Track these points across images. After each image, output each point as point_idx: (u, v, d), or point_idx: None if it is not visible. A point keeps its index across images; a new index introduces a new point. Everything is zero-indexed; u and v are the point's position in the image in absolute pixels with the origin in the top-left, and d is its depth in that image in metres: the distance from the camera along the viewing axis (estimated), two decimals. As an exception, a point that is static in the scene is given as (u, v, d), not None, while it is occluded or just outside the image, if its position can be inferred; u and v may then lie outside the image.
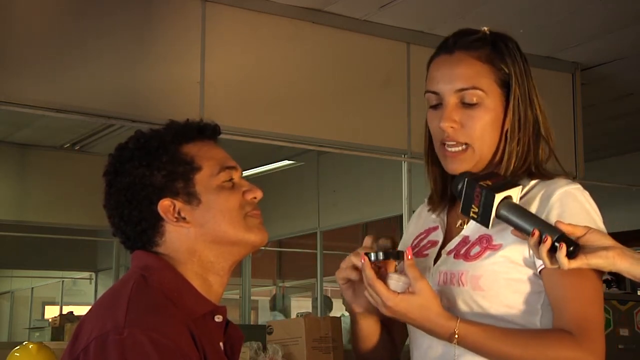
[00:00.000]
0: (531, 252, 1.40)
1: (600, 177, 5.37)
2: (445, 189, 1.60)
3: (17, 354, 2.21)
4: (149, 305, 1.28)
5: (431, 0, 3.81)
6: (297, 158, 6.50)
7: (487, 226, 1.36)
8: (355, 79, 4.06)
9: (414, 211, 1.76)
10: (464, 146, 1.48)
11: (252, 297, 8.24)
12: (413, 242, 1.63)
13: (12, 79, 3.23)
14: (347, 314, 7.49)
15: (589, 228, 1.32)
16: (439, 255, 1.52)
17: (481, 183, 1.35)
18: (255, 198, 1.43)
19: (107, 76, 3.42)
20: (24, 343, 2.27)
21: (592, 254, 1.28)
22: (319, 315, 6.99)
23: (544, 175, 1.49)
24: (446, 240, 1.54)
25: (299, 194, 6.98)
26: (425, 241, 1.59)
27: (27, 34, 3.30)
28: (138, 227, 1.37)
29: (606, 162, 6.55)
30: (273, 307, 8.86)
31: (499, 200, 1.34)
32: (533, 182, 1.48)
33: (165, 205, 1.36)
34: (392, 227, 6.82)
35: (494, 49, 1.50)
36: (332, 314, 7.29)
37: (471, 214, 1.37)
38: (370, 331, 1.56)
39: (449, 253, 1.50)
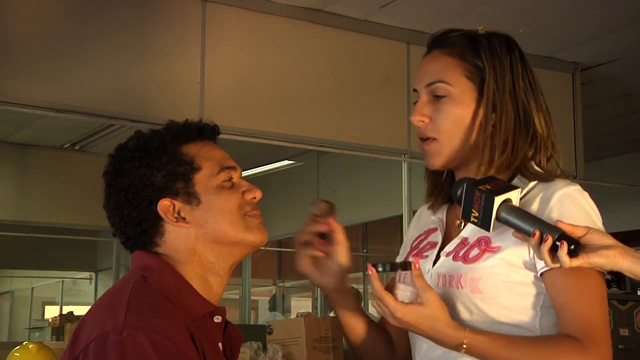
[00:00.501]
0: (531, 254, 1.40)
1: (600, 177, 5.37)
2: (440, 186, 1.61)
3: (17, 354, 2.21)
4: (148, 306, 1.28)
5: (431, 0, 3.81)
6: (297, 158, 6.50)
7: (488, 230, 1.36)
8: (355, 79, 4.05)
9: (414, 212, 1.77)
10: (432, 139, 1.51)
11: (252, 297, 8.23)
12: (413, 244, 1.63)
13: (12, 79, 3.23)
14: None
15: (590, 228, 1.31)
16: (437, 257, 1.52)
17: (480, 187, 1.36)
18: (254, 198, 1.43)
19: (107, 76, 3.42)
20: (24, 343, 2.27)
21: (594, 253, 1.28)
22: (319, 315, 6.99)
23: (542, 176, 1.49)
24: (445, 241, 1.54)
25: (299, 194, 6.97)
26: (424, 242, 1.59)
27: (27, 34, 3.30)
28: (138, 228, 1.37)
29: (606, 162, 6.55)
30: (273, 307, 8.86)
31: (498, 203, 1.35)
32: (532, 184, 1.47)
33: (165, 205, 1.36)
34: (392, 227, 6.83)
35: (471, 44, 1.51)
36: (332, 314, 7.29)
37: (472, 219, 1.37)
38: (353, 318, 1.54)
39: (447, 255, 1.50)
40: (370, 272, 1.35)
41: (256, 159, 6.20)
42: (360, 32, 4.02)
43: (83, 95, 3.35)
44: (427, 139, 1.52)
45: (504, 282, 1.41)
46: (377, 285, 1.34)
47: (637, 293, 6.15)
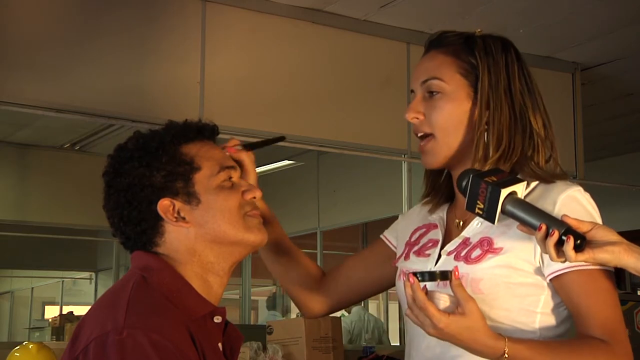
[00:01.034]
0: (538, 257, 1.40)
1: (600, 177, 5.37)
2: (438, 187, 1.61)
3: (17, 354, 2.21)
4: (148, 306, 1.28)
5: (431, 0, 3.81)
6: (297, 158, 6.50)
7: (492, 222, 1.35)
8: (355, 79, 4.05)
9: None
10: (429, 137, 1.52)
11: (252, 297, 8.23)
12: (412, 236, 1.63)
13: (12, 79, 3.23)
14: (347, 313, 7.50)
15: (595, 223, 1.32)
16: (438, 256, 1.52)
17: (486, 179, 1.35)
18: (254, 198, 1.44)
19: (107, 76, 3.42)
20: (24, 343, 2.27)
21: (599, 249, 1.28)
22: (319, 315, 6.97)
23: (543, 176, 1.49)
24: (445, 239, 1.54)
25: (299, 194, 6.97)
26: (425, 239, 1.59)
27: (27, 34, 3.30)
28: (138, 228, 1.37)
29: (606, 162, 6.55)
30: (272, 307, 8.85)
31: (504, 196, 1.34)
32: (533, 184, 1.48)
33: (164, 205, 1.36)
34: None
35: (466, 43, 1.53)
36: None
37: (476, 210, 1.36)
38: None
39: (448, 254, 1.50)
40: (412, 281, 1.32)
41: (256, 159, 6.19)
42: (360, 32, 4.02)
43: (83, 95, 3.35)
44: (424, 136, 1.53)
45: (505, 283, 1.42)
46: (421, 295, 1.31)
47: (637, 293, 6.15)
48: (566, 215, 1.31)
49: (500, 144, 1.49)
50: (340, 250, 7.84)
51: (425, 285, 1.34)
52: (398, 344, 4.95)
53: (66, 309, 9.63)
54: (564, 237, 1.28)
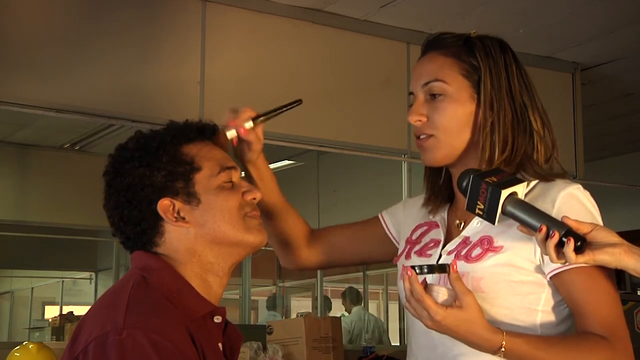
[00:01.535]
0: (538, 255, 1.40)
1: (600, 177, 5.37)
2: (438, 189, 1.61)
3: (17, 354, 2.21)
4: (148, 306, 1.28)
5: (431, 0, 3.81)
6: (297, 158, 6.50)
7: (493, 222, 1.36)
8: (355, 79, 4.05)
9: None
10: (430, 136, 1.52)
11: (252, 297, 8.22)
12: (413, 233, 1.63)
13: (12, 79, 3.23)
14: (347, 313, 7.50)
15: (595, 225, 1.32)
16: (440, 256, 1.52)
17: (487, 179, 1.35)
18: (254, 199, 1.44)
19: (107, 76, 3.41)
20: (24, 343, 2.27)
21: (599, 250, 1.28)
22: (319, 315, 6.99)
23: (542, 175, 1.49)
24: (447, 240, 1.55)
25: (299, 194, 6.97)
26: (427, 238, 1.59)
27: (27, 34, 3.30)
28: (138, 227, 1.37)
29: (606, 162, 6.55)
30: (272, 307, 8.85)
31: (505, 197, 1.34)
32: (533, 183, 1.48)
33: (164, 204, 1.36)
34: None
35: (465, 45, 1.53)
36: (332, 314, 7.29)
37: (477, 211, 1.37)
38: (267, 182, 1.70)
39: (449, 253, 1.50)
40: (409, 274, 1.33)
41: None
42: (360, 32, 4.02)
43: (83, 95, 3.35)
44: (423, 137, 1.53)
45: (505, 281, 1.42)
46: (419, 288, 1.32)
47: (637, 293, 6.15)
48: (566, 217, 1.31)
49: (506, 145, 1.49)
50: (340, 250, 7.81)
51: (424, 278, 1.34)
52: (398, 344, 4.95)
53: (66, 309, 9.63)
54: (564, 239, 1.28)
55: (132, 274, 1.36)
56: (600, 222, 1.43)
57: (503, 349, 1.33)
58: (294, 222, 1.75)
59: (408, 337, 1.60)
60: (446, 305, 1.32)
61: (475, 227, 1.49)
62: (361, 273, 8.70)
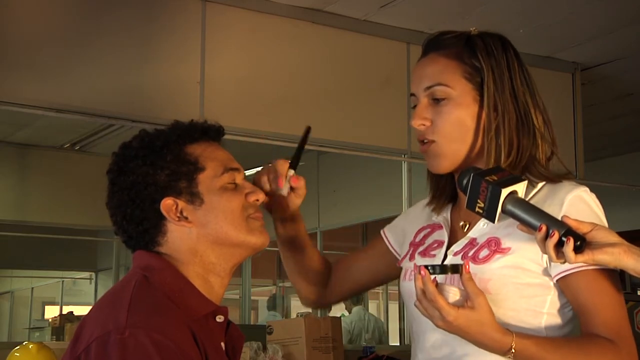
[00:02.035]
0: (545, 257, 1.40)
1: (600, 177, 5.37)
2: (442, 188, 1.61)
3: (17, 354, 2.21)
4: (150, 306, 1.28)
5: (431, 0, 3.81)
6: (297, 158, 6.49)
7: (493, 221, 1.36)
8: (355, 79, 4.05)
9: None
10: (432, 142, 1.51)
11: (252, 297, 8.23)
12: (416, 236, 1.63)
13: (12, 79, 3.23)
14: (347, 313, 7.50)
15: (595, 224, 1.32)
16: (445, 257, 1.52)
17: (487, 178, 1.35)
18: (257, 200, 1.44)
19: (108, 76, 3.42)
20: (24, 343, 2.27)
21: (599, 250, 1.28)
22: (319, 315, 6.99)
23: (549, 177, 1.49)
24: (451, 240, 1.54)
25: (298, 194, 6.95)
26: (430, 239, 1.59)
27: (27, 34, 3.30)
28: (140, 226, 1.38)
29: (606, 162, 6.55)
30: (272, 307, 8.85)
31: (505, 195, 1.34)
32: (540, 185, 1.48)
33: (167, 204, 1.36)
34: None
35: (467, 45, 1.51)
36: (332, 314, 7.28)
37: (477, 209, 1.36)
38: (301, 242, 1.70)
39: (455, 254, 1.50)
40: (423, 274, 1.32)
41: (256, 159, 6.19)
42: (360, 32, 4.02)
43: (83, 95, 3.35)
44: (426, 142, 1.52)
45: (513, 283, 1.42)
46: (432, 287, 1.31)
47: (637, 293, 6.16)
48: (566, 216, 1.31)
49: (512, 149, 1.48)
50: (340, 250, 7.83)
51: (435, 278, 1.34)
52: (398, 344, 4.94)
53: (66, 309, 9.63)
54: (564, 238, 1.28)
55: (134, 274, 1.36)
56: (606, 225, 1.42)
57: (513, 351, 1.32)
58: (319, 258, 1.77)
59: (411, 337, 1.59)
60: (458, 305, 1.32)
61: (482, 228, 1.48)
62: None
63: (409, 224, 1.69)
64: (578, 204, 1.42)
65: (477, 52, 1.50)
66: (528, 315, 1.42)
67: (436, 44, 1.54)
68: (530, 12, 3.93)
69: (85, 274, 10.46)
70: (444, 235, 1.56)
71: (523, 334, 1.36)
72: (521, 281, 1.42)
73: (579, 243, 1.28)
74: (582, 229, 1.30)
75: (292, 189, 1.62)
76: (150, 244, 1.38)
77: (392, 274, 1.72)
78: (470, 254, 1.46)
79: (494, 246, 1.44)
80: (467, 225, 1.53)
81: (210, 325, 1.36)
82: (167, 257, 1.38)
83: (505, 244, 1.43)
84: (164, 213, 1.36)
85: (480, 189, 1.35)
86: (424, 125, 1.51)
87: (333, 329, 3.24)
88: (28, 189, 6.57)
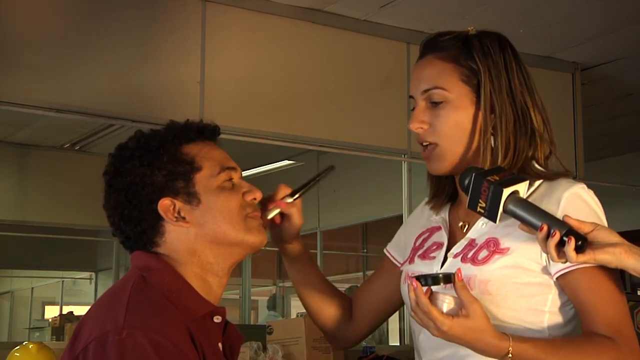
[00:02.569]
0: (544, 256, 1.40)
1: (600, 177, 5.37)
2: (442, 187, 1.61)
3: (17, 354, 2.21)
4: (148, 306, 1.28)
5: (431, 0, 3.81)
6: (297, 158, 6.49)
7: (494, 221, 1.36)
8: (355, 79, 4.05)
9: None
10: (432, 145, 1.51)
11: (252, 297, 8.23)
12: (416, 241, 1.63)
13: (12, 79, 3.23)
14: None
15: (597, 224, 1.32)
16: (445, 258, 1.52)
17: (489, 178, 1.35)
18: (255, 199, 1.44)
19: (107, 76, 3.41)
20: (24, 343, 2.27)
21: (600, 250, 1.29)
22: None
23: (546, 175, 1.49)
24: (450, 242, 1.54)
25: (298, 194, 6.95)
26: (429, 242, 1.59)
27: (27, 34, 3.30)
28: (138, 227, 1.37)
29: (606, 162, 6.55)
30: (272, 307, 8.85)
31: (506, 195, 1.34)
32: (537, 183, 1.48)
33: (165, 204, 1.36)
34: (392, 227, 6.81)
35: (464, 46, 1.51)
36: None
37: (478, 209, 1.36)
38: (305, 271, 1.67)
39: (455, 256, 1.49)
40: (415, 286, 1.32)
41: (256, 159, 6.20)
42: (360, 32, 4.02)
43: (83, 95, 3.35)
44: (427, 145, 1.52)
45: (513, 283, 1.42)
46: (424, 300, 1.31)
47: (637, 293, 6.15)
48: (567, 216, 1.31)
49: (508, 150, 1.48)
50: (340, 250, 7.84)
51: (429, 287, 1.34)
52: (398, 344, 4.95)
53: (66, 309, 9.64)
54: (565, 238, 1.28)
55: (132, 274, 1.36)
56: (605, 222, 1.43)
57: (510, 355, 1.32)
58: (341, 299, 1.73)
59: (414, 337, 1.59)
60: (452, 314, 1.31)
61: (481, 228, 1.48)
62: (361, 273, 8.70)
63: (408, 233, 1.69)
64: (575, 202, 1.42)
65: (474, 54, 1.50)
66: (529, 314, 1.42)
67: (433, 46, 1.54)
68: (530, 12, 3.93)
69: (85, 274, 10.47)
70: (443, 236, 1.56)
71: (520, 337, 1.35)
72: (521, 281, 1.42)
73: (580, 243, 1.28)
74: (584, 229, 1.30)
75: (283, 216, 1.59)
76: (148, 244, 1.38)
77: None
78: (470, 255, 1.46)
79: (493, 247, 1.44)
80: (467, 226, 1.53)
81: (208, 325, 1.35)
82: (165, 257, 1.38)
83: (504, 244, 1.43)
84: (162, 213, 1.36)
85: (481, 188, 1.35)
86: (421, 128, 1.51)
87: (333, 329, 3.23)
88: (28, 189, 6.57)
